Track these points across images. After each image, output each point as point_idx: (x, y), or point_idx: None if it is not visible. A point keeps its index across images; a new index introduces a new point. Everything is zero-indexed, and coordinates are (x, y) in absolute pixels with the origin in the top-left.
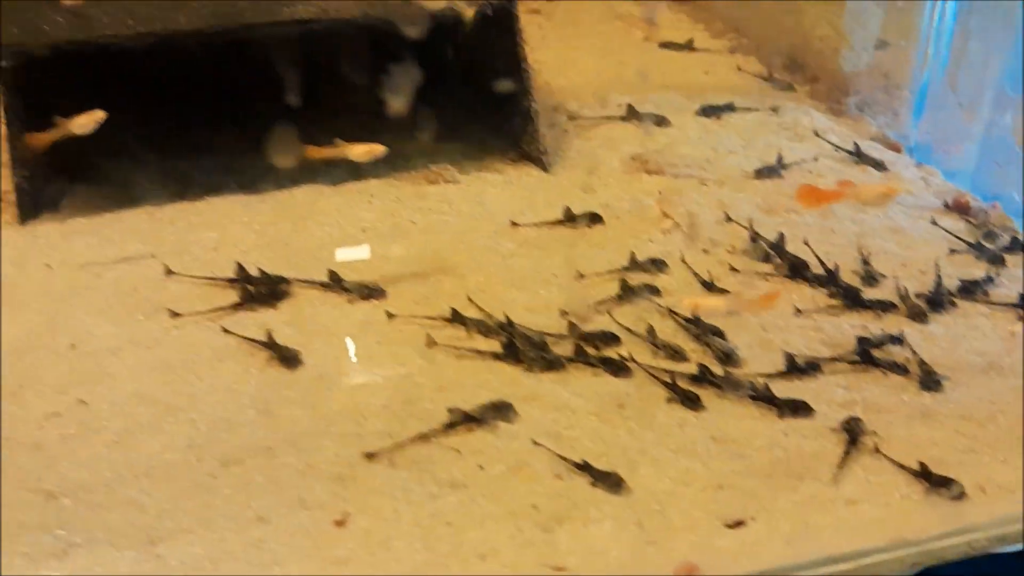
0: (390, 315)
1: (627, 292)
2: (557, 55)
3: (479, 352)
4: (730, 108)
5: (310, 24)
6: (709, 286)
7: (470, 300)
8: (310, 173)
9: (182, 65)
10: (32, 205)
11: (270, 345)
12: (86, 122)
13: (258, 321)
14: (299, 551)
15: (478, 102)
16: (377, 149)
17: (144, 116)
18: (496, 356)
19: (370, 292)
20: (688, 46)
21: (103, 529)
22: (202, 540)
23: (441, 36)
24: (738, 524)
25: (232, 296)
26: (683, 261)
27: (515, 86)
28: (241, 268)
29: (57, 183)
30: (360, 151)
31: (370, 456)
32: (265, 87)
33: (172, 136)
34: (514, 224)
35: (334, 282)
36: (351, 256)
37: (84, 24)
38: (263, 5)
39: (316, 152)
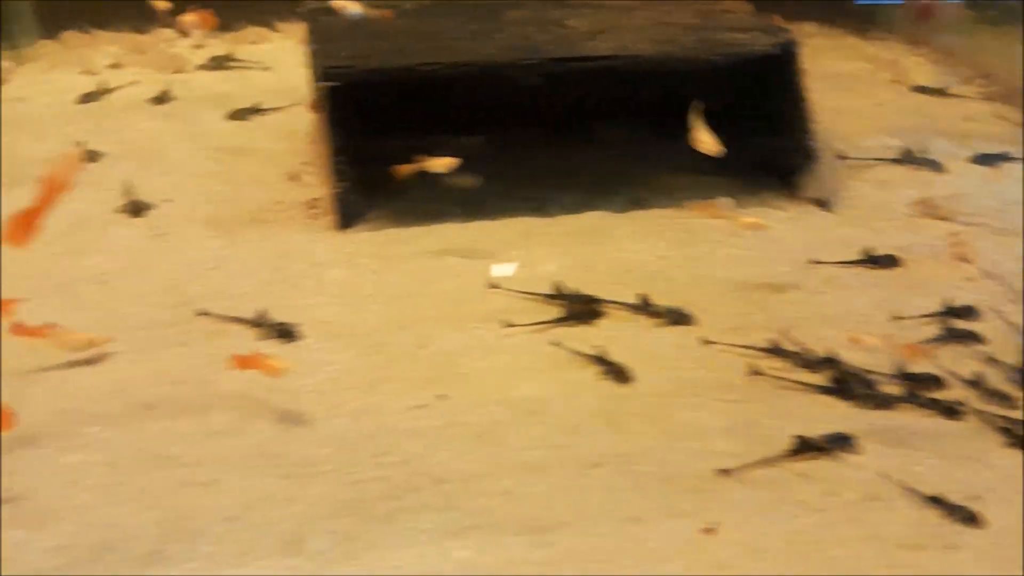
0: (706, 341)
1: (946, 336)
2: (811, 95)
3: (803, 384)
4: (1005, 157)
5: (609, 60)
6: None
7: (784, 335)
8: (595, 200)
9: (479, 93)
10: (349, 214)
11: (602, 360)
12: (444, 164)
13: (578, 337)
14: (677, 553)
15: (749, 139)
16: (452, 162)
17: (441, 139)
18: (821, 389)
19: (679, 317)
20: (942, 91)
21: (488, 514)
22: (585, 533)
23: (721, 73)
24: None
25: (548, 311)
26: (997, 311)
27: (794, 124)
28: (559, 287)
29: (365, 196)
30: (440, 163)
31: (724, 472)
32: (552, 116)
33: (466, 159)
34: (814, 262)
35: (644, 305)
36: (503, 272)
37: (403, 53)
38: (564, 40)
39: (405, 169)
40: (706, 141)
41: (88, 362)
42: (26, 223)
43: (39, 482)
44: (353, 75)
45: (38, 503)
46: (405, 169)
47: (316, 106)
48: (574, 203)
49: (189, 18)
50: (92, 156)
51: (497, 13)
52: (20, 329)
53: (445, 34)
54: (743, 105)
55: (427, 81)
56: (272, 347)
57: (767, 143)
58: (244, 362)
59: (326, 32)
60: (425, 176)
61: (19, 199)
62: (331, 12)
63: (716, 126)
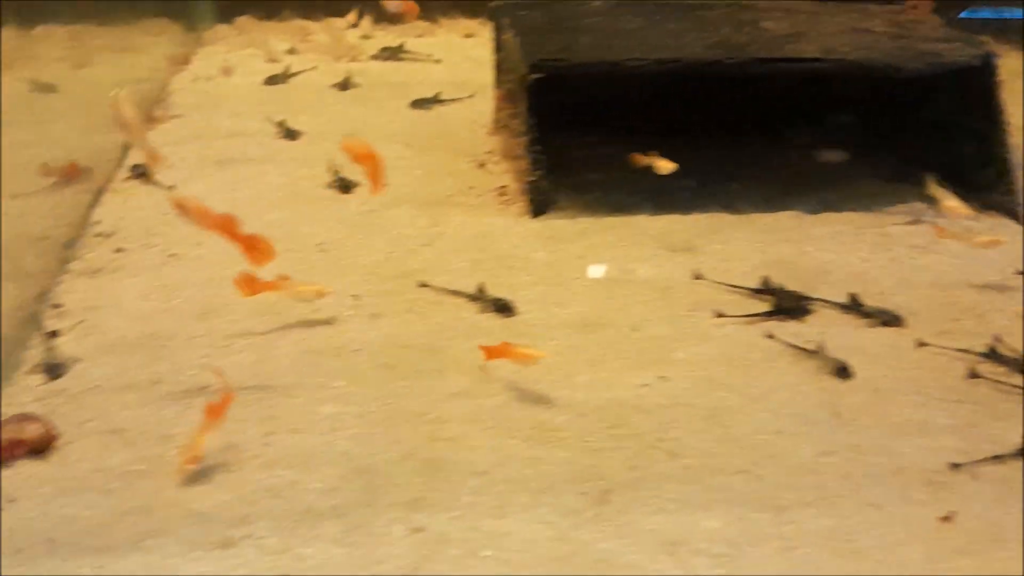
0: (921, 343)
1: None
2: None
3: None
4: None
5: (813, 63)
6: None
7: (998, 340)
8: (785, 200)
9: (676, 90)
10: (542, 202)
11: (819, 355)
12: (666, 166)
13: (788, 332)
14: (916, 538)
15: (942, 148)
16: (672, 166)
17: (632, 134)
18: None
19: (890, 319)
20: None
21: (729, 490)
22: (827, 514)
23: (920, 82)
24: None
25: (754, 305)
26: None
27: (991, 137)
28: (767, 281)
29: (556, 185)
30: (662, 165)
31: (955, 467)
32: (738, 115)
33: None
34: (1018, 272)
35: (854, 305)
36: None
37: (609, 49)
38: (766, 41)
39: (639, 159)
40: (954, 206)
41: (325, 322)
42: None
43: (301, 426)
44: (562, 68)
45: (304, 446)
46: (638, 161)
47: (509, 96)
48: (764, 201)
49: (394, 4)
50: (291, 134)
51: (690, 13)
52: (255, 284)
53: (643, 32)
54: (937, 115)
55: (632, 77)
56: (491, 320)
57: (960, 153)
58: (494, 352)
59: (525, 25)
60: (613, 167)
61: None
62: (525, 6)
63: (908, 134)
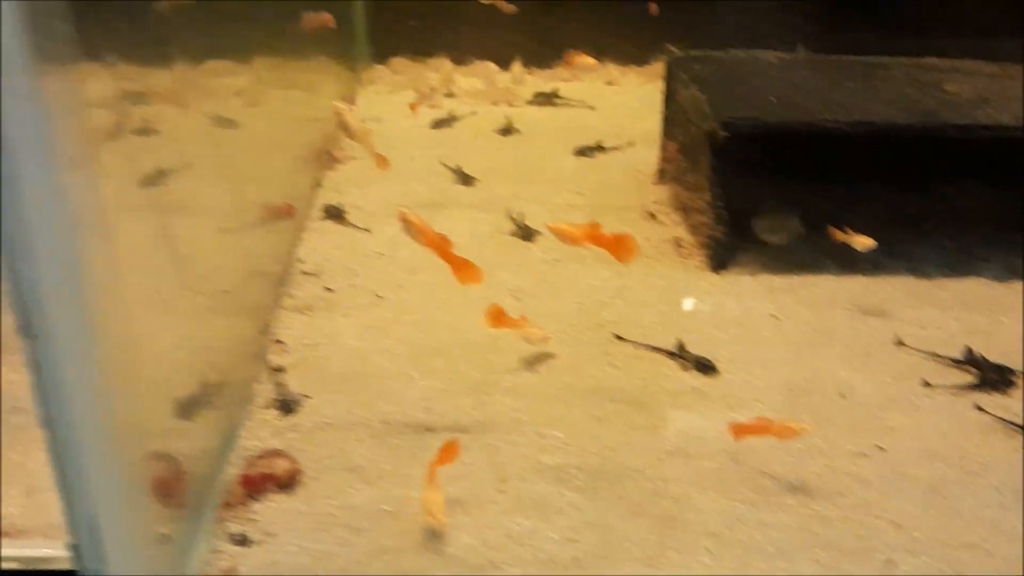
0: None
1: None
2: None
3: None
4: None
5: (1006, 131)
6: None
7: None
8: (969, 264)
9: (858, 151)
10: (723, 257)
11: None
12: (865, 243)
13: (995, 404)
14: None
15: None
16: (871, 243)
17: (808, 186)
18: None
19: None
20: None
21: (958, 564)
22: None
23: None
24: None
25: (956, 374)
26: None
27: None
28: (970, 352)
29: (735, 240)
30: (861, 241)
31: None
32: (912, 175)
33: (833, 212)
34: None
35: None
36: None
37: (794, 108)
38: (955, 106)
39: (837, 234)
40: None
41: (534, 368)
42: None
43: (529, 476)
44: (754, 128)
45: (535, 496)
46: (836, 235)
47: (683, 150)
48: (948, 266)
49: (580, 60)
50: (466, 180)
51: (869, 72)
52: (502, 318)
53: (827, 90)
54: None
55: (820, 137)
56: (695, 379)
57: None
58: (749, 430)
59: (706, 80)
60: (791, 224)
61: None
62: (701, 60)
63: None
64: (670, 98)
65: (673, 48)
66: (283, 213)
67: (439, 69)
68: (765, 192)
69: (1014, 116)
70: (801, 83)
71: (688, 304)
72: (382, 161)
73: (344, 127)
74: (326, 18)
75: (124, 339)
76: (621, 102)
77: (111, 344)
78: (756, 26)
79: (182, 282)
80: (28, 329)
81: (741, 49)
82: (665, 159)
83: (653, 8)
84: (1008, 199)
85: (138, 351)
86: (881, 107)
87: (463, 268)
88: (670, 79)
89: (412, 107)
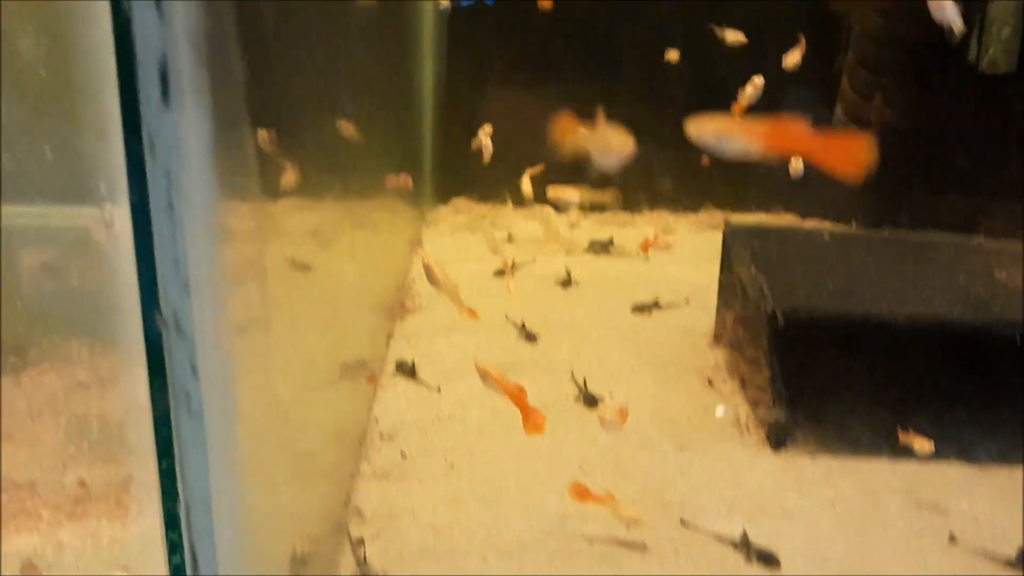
0: None
1: None
2: None
3: None
4: None
5: None
6: None
7: None
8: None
9: (910, 340)
10: (782, 437)
11: None
12: (925, 447)
13: None
14: None
15: None
16: (928, 447)
17: (865, 374)
18: None
19: None
20: None
21: None
22: None
23: None
24: None
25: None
26: None
27: None
28: None
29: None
30: (922, 445)
31: None
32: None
33: (890, 398)
34: None
35: None
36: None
37: (852, 296)
38: (1008, 298)
39: (902, 437)
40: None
41: (619, 552)
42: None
43: None
44: (813, 317)
45: None
46: (901, 438)
47: (742, 321)
48: (1000, 454)
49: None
50: (530, 337)
51: (920, 253)
52: (586, 494)
53: (883, 276)
54: None
55: (879, 327)
56: (757, 571)
57: None
58: None
59: (763, 259)
60: (846, 405)
61: None
62: (758, 234)
63: None
64: (726, 268)
65: (728, 218)
66: (362, 370)
67: (497, 211)
68: (823, 372)
69: None
70: (857, 265)
71: (747, 482)
72: (472, 314)
73: (431, 279)
74: (405, 180)
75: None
76: (674, 253)
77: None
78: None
79: (270, 446)
80: None
81: (790, 212)
82: (721, 323)
83: (705, 160)
84: None
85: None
86: (934, 297)
87: (531, 417)
88: (726, 250)
89: (506, 281)
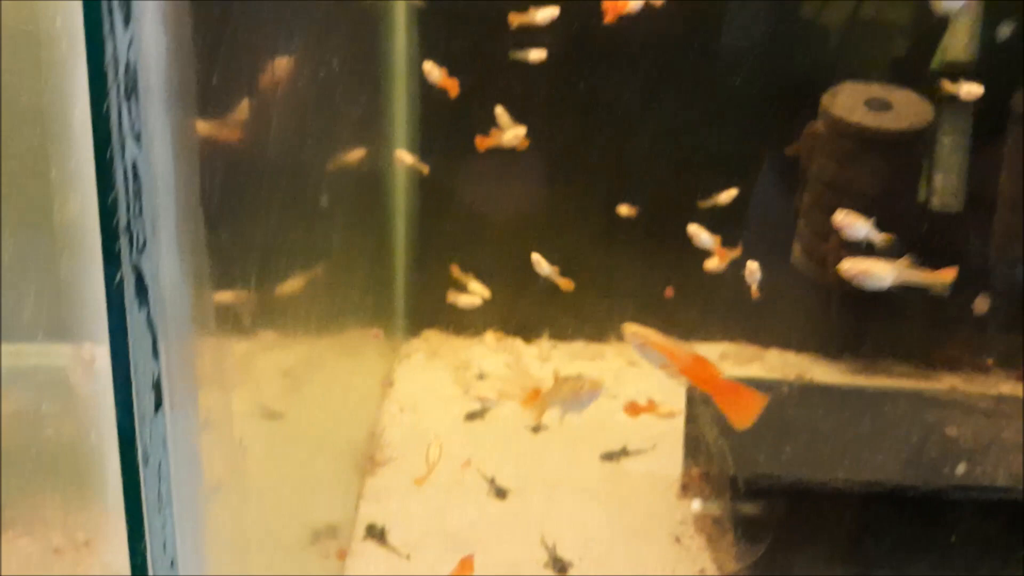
0: None
1: None
2: None
3: None
4: None
5: (1003, 492)
6: None
7: None
8: None
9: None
10: None
11: None
12: None
13: None
14: None
15: None
16: None
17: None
18: None
19: None
20: None
21: None
22: None
23: None
24: None
25: None
26: None
27: None
28: None
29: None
30: None
31: None
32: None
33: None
34: None
35: None
36: None
37: (810, 462)
38: (957, 457)
39: None
40: None
41: None
42: None
43: None
44: (773, 488)
45: None
46: None
47: (706, 479)
48: None
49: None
50: (500, 492)
51: (877, 407)
52: None
53: (840, 436)
54: None
55: (837, 493)
56: None
57: None
58: None
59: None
60: (809, 566)
61: None
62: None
63: None
64: (690, 422)
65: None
66: (332, 542)
67: (469, 345)
68: (786, 534)
69: (1010, 476)
70: (818, 426)
71: None
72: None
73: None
74: (376, 333)
75: None
76: (642, 389)
77: None
78: (760, 314)
79: None
80: None
81: (753, 344)
82: (687, 474)
83: (669, 292)
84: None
85: None
86: (888, 460)
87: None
88: (691, 406)
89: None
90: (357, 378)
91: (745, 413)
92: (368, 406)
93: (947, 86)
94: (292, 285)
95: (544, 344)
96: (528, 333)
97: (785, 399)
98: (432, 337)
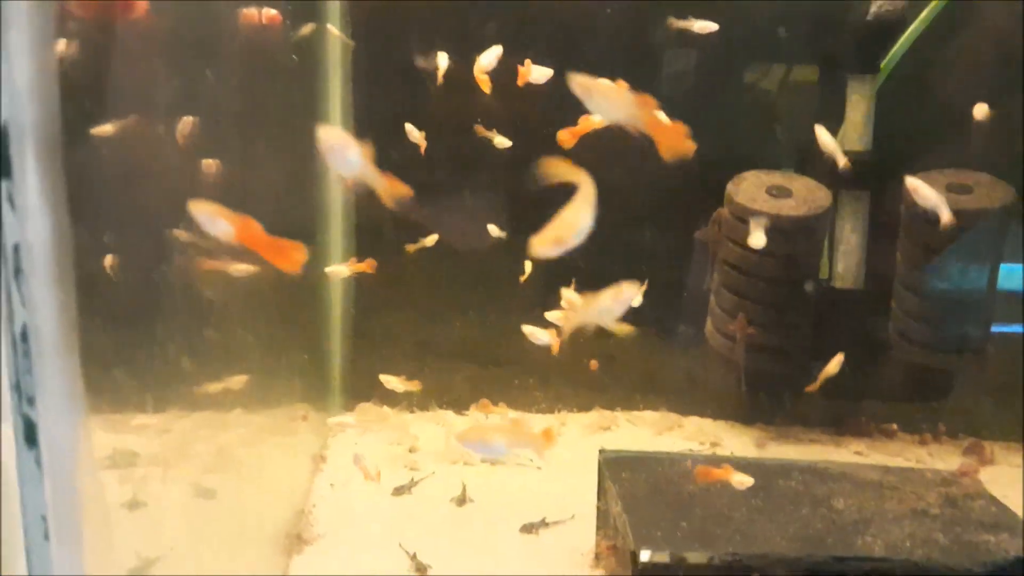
0: None
1: None
2: None
3: None
4: None
5: (880, 563)
6: None
7: None
8: None
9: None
10: None
11: None
12: None
13: None
14: None
15: None
16: None
17: None
18: None
19: None
20: None
21: None
22: None
23: None
24: None
25: None
26: None
27: None
28: None
29: None
30: None
31: None
32: None
33: None
34: None
35: None
36: None
37: (704, 537)
38: (840, 530)
39: None
40: None
41: None
42: None
43: None
44: (670, 565)
45: None
46: None
47: (614, 552)
48: None
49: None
50: (420, 568)
51: (771, 481)
52: None
53: (736, 507)
54: None
55: (726, 572)
56: None
57: None
58: None
59: (630, 495)
60: None
61: None
62: (628, 464)
63: None
64: (601, 496)
65: (602, 448)
66: None
67: (415, 420)
68: None
69: (888, 546)
70: (714, 496)
71: None
72: None
73: None
74: (304, 415)
75: None
76: (566, 459)
77: None
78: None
79: None
80: None
81: (674, 412)
82: (599, 545)
83: (594, 365)
84: None
85: None
86: (776, 537)
87: (278, 251)
88: (601, 479)
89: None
90: (286, 456)
91: (291, 264)
92: (298, 482)
93: None
94: (220, 380)
95: (474, 412)
96: (459, 407)
97: (688, 473)
98: (368, 411)
